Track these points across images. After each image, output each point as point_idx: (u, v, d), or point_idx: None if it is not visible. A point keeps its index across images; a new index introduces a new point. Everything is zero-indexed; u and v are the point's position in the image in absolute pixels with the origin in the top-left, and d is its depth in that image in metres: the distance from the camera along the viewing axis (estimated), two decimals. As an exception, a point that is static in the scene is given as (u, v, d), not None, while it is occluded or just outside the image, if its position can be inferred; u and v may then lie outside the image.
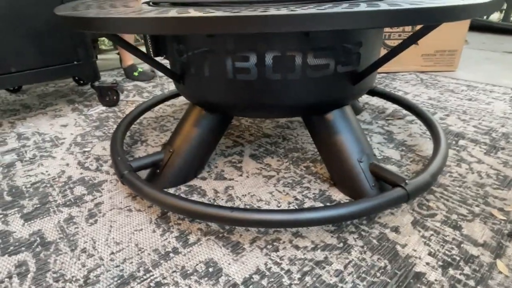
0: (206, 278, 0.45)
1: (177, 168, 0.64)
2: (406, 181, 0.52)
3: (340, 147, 0.59)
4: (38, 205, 0.61)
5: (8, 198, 0.63)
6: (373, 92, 0.94)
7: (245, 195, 0.62)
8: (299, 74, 0.52)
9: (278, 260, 0.47)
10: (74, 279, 0.46)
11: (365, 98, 1.05)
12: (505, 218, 0.54)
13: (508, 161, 0.69)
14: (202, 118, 0.64)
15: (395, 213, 0.56)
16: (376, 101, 1.03)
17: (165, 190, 0.63)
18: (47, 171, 0.72)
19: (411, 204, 0.58)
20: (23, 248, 0.51)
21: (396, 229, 0.52)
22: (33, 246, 0.52)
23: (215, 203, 0.59)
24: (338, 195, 0.60)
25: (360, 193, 0.58)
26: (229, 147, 0.79)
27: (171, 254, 0.49)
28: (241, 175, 0.68)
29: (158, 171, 0.64)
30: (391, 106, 0.98)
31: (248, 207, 0.58)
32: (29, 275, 0.46)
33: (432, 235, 0.51)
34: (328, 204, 0.58)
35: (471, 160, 0.70)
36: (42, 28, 0.91)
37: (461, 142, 0.77)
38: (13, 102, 1.16)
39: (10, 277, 0.46)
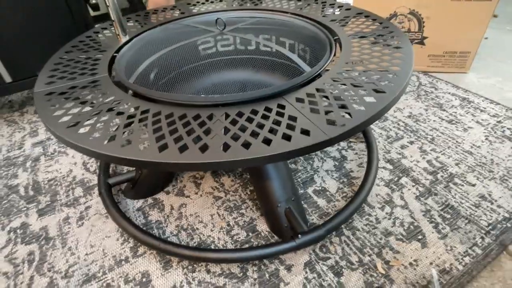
0: (138, 286, 0.65)
1: (144, 186, 0.82)
2: (299, 235, 0.64)
3: (266, 190, 0.72)
4: (49, 202, 0.85)
5: (31, 193, 0.88)
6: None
7: (192, 214, 0.79)
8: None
9: (191, 281, 0.66)
10: (59, 271, 0.69)
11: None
12: (384, 273, 0.64)
13: (432, 209, 0.75)
14: (162, 150, 0.79)
15: (298, 251, 0.69)
16: (353, 114, 1.07)
17: (136, 200, 0.83)
18: (60, 169, 0.95)
19: (315, 244, 0.70)
20: (33, 240, 0.76)
21: (289, 268, 0.66)
22: (40, 239, 0.76)
23: (166, 221, 0.77)
24: (262, 226, 0.75)
25: (277, 229, 0.72)
26: (199, 159, 0.94)
27: (123, 262, 0.70)
28: (197, 193, 0.84)
29: (131, 185, 0.83)
30: (363, 124, 1.02)
31: (189, 227, 0.76)
32: (34, 263, 0.71)
33: (314, 278, 0.64)
34: (250, 233, 0.73)
35: (398, 203, 0.77)
36: (61, 37, 1.07)
37: (403, 180, 0.83)
38: (50, 83, 1.39)
39: (23, 262, 0.71)
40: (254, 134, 0.47)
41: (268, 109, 0.52)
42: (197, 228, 0.75)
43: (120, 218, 0.72)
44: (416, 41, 1.20)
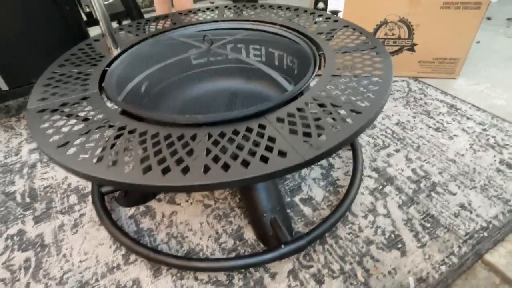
0: (129, 293, 0.68)
1: (136, 194, 0.84)
2: (283, 245, 0.67)
3: (253, 200, 0.74)
4: (45, 210, 0.87)
5: (28, 200, 0.91)
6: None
7: (182, 222, 0.81)
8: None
9: (179, 288, 0.69)
10: (54, 277, 0.72)
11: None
12: (363, 281, 0.67)
13: (413, 218, 0.78)
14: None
15: (282, 260, 0.72)
16: (342, 121, 1.09)
17: (129, 208, 0.86)
18: (55, 176, 0.97)
19: (297, 253, 0.73)
20: (30, 247, 0.79)
21: (273, 275, 0.69)
22: (36, 247, 0.79)
23: (157, 229, 0.80)
24: (249, 234, 0.77)
25: (263, 238, 0.75)
26: (191, 167, 0.97)
27: (115, 269, 0.73)
28: (187, 201, 0.87)
29: (124, 193, 0.86)
30: (351, 131, 1.04)
31: (179, 235, 0.79)
32: (30, 270, 0.74)
33: (296, 286, 0.67)
34: (237, 242, 0.76)
35: (381, 212, 0.80)
36: (55, 44, 1.09)
37: (387, 189, 0.85)
38: (46, 87, 1.41)
39: (20, 269, 0.74)
40: (234, 156, 0.49)
41: (249, 129, 0.54)
42: (187, 236, 0.78)
43: (112, 227, 0.75)
44: (407, 47, 1.21)
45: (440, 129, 1.03)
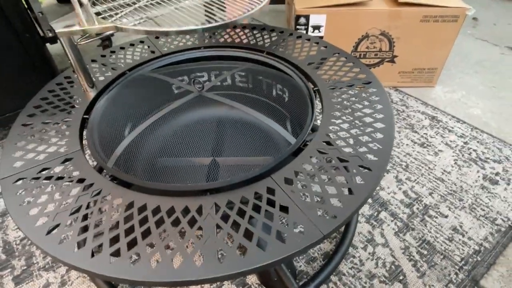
0: None
1: (128, 243, 0.79)
2: (291, 295, 0.66)
3: (254, 245, 0.72)
4: (25, 267, 0.80)
5: (3, 257, 0.82)
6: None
7: (180, 270, 0.78)
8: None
9: None
10: None
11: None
12: (370, 320, 0.68)
13: (410, 246, 0.80)
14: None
15: (289, 303, 0.71)
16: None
17: (120, 258, 0.80)
18: (32, 224, 0.89)
19: (305, 295, 0.72)
20: (13, 315, 0.72)
21: (282, 323, 0.69)
22: (20, 314, 0.72)
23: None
24: (252, 278, 0.76)
25: (266, 283, 0.73)
26: (181, 203, 0.92)
27: (114, 333, 0.69)
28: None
29: (113, 243, 0.80)
30: (341, 152, 1.04)
31: (179, 285, 0.75)
32: None
33: (306, 332, 0.67)
34: (240, 287, 0.74)
35: (379, 241, 0.81)
36: (13, 77, 0.98)
37: (382, 215, 0.87)
38: (6, 113, 1.28)
39: None
40: (248, 235, 0.47)
41: (258, 196, 0.51)
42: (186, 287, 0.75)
43: (105, 285, 0.70)
44: (387, 59, 1.22)
45: (425, 145, 1.05)
